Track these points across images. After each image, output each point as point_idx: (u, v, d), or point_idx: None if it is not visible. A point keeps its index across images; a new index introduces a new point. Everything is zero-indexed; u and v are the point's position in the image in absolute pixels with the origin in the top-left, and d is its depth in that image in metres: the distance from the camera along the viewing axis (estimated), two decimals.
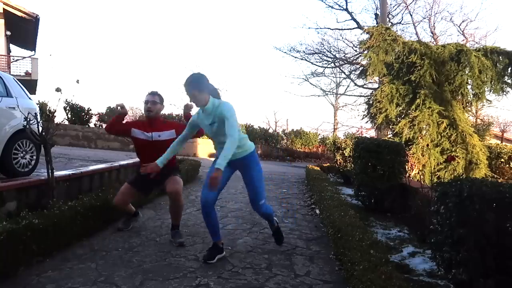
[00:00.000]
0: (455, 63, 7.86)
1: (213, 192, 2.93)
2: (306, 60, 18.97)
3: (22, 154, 4.42)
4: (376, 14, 17.54)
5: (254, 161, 3.06)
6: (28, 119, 3.65)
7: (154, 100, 3.48)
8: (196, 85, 2.83)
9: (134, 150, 3.87)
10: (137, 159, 6.20)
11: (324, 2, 18.33)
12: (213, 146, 3.14)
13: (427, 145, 7.14)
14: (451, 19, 22.06)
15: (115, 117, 3.58)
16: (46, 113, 5.57)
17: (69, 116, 15.46)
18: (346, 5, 17.75)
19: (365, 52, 8.42)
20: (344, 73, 19.78)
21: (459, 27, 20.21)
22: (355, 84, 19.15)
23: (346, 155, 8.68)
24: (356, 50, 17.61)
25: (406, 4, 18.68)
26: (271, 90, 60.27)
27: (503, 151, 8.52)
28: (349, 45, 19.07)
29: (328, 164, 11.63)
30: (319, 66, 19.39)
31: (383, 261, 2.56)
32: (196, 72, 2.93)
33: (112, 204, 3.57)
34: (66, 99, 15.07)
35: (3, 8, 16.70)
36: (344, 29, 18.88)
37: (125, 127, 3.60)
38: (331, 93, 24.73)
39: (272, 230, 3.40)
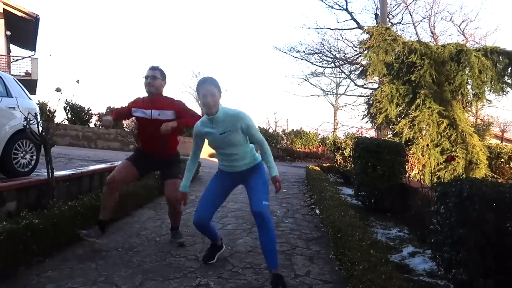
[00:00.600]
0: (455, 63, 7.87)
1: (207, 211, 2.78)
2: (306, 60, 18.99)
3: (22, 154, 4.42)
4: (376, 14, 17.55)
5: (260, 169, 2.80)
6: (28, 119, 3.65)
7: (154, 75, 3.20)
8: (216, 84, 2.56)
9: (135, 147, 3.77)
10: None
11: (324, 2, 18.35)
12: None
13: (427, 145, 7.14)
14: (451, 19, 22.08)
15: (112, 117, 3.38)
16: (46, 113, 5.58)
17: (69, 116, 15.48)
18: (346, 5, 17.77)
19: (365, 52, 8.42)
20: (344, 73, 19.79)
21: (459, 27, 20.22)
22: (355, 84, 19.17)
23: (346, 155, 8.68)
24: (356, 50, 17.62)
25: (406, 4, 18.69)
26: (271, 90, 60.28)
27: (503, 151, 8.52)
28: (349, 45, 19.09)
29: (328, 164, 11.63)
30: (319, 66, 19.41)
31: (383, 261, 2.56)
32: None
33: (105, 182, 3.22)
34: (66, 99, 15.10)
35: (3, 8, 16.70)
36: (344, 29, 18.89)
37: (126, 110, 3.37)
38: (331, 93, 24.75)
39: (271, 273, 2.52)
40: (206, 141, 2.88)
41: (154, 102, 3.24)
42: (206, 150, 17.78)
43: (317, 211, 4.97)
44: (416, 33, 19.58)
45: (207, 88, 2.53)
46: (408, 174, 5.70)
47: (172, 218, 3.44)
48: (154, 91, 3.21)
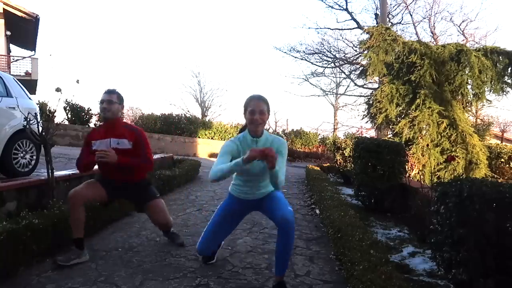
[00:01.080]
0: (455, 63, 7.86)
1: (213, 245, 2.74)
2: (306, 60, 19.01)
3: (22, 154, 4.43)
4: (376, 14, 17.55)
5: (276, 192, 2.62)
6: (28, 119, 3.65)
7: (111, 99, 2.97)
8: (267, 103, 2.43)
9: None
10: None
11: (324, 2, 18.37)
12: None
13: (427, 145, 7.14)
14: (451, 19, 22.06)
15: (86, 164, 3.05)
16: (46, 113, 5.57)
17: (69, 116, 15.45)
18: (346, 5, 17.79)
19: (365, 52, 8.42)
20: (344, 73, 19.81)
21: (459, 27, 20.22)
22: (355, 84, 19.20)
23: (346, 155, 8.68)
24: (356, 50, 17.63)
25: (406, 4, 18.70)
26: (271, 90, 60.26)
27: (503, 151, 8.52)
28: (349, 45, 19.11)
29: (328, 164, 11.62)
30: (319, 66, 19.43)
31: (383, 261, 2.56)
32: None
33: (67, 197, 2.88)
34: (66, 99, 15.07)
35: (3, 8, 16.71)
36: (344, 29, 18.92)
37: (88, 152, 3.00)
38: (331, 93, 24.79)
39: (276, 280, 2.42)
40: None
41: (112, 129, 3.00)
42: (206, 150, 17.69)
43: (317, 211, 4.97)
44: (416, 33, 19.61)
45: (257, 104, 2.39)
46: (408, 174, 5.70)
47: (166, 228, 3.35)
48: (110, 116, 2.99)
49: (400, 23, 19.16)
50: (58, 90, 3.59)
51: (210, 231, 2.71)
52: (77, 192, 2.83)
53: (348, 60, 18.32)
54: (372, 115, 8.18)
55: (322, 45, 18.70)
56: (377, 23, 14.48)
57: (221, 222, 2.71)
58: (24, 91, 4.83)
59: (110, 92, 3.02)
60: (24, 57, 18.95)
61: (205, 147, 15.80)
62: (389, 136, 8.70)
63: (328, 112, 50.76)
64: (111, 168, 2.97)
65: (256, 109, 2.39)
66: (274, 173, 2.27)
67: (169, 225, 3.30)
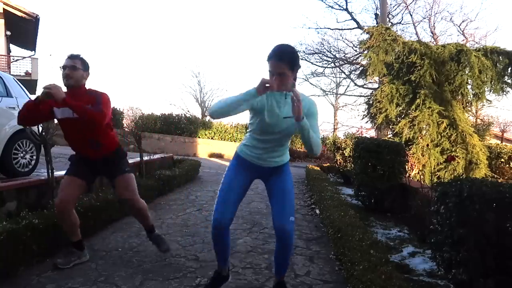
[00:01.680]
0: (455, 63, 7.86)
1: (229, 211, 2.20)
2: (306, 60, 19.01)
3: (22, 154, 4.42)
4: (376, 14, 17.57)
5: (288, 169, 2.42)
6: None
7: (74, 65, 2.66)
8: (289, 59, 2.00)
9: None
10: (137, 159, 6.21)
11: (324, 2, 18.43)
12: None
13: (427, 145, 7.14)
14: (451, 19, 22.15)
15: (31, 104, 2.63)
16: None
17: None
18: (346, 5, 17.83)
19: (365, 52, 8.42)
20: (344, 73, 19.86)
21: (459, 27, 20.25)
22: (355, 84, 19.24)
23: (346, 155, 8.68)
24: (356, 50, 17.66)
25: (406, 4, 18.72)
26: None
27: (503, 151, 8.53)
28: (349, 45, 19.15)
29: (328, 164, 11.61)
30: (319, 66, 19.47)
31: (383, 261, 2.56)
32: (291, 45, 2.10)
33: (55, 208, 2.78)
34: None
35: (3, 8, 16.69)
36: (344, 29, 18.97)
37: (43, 112, 2.66)
38: (331, 93, 24.81)
39: (276, 280, 2.34)
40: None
41: (75, 97, 2.63)
42: (206, 150, 17.68)
43: (317, 211, 4.97)
44: (416, 33, 19.63)
45: (276, 66, 1.99)
46: (408, 174, 5.70)
47: (140, 217, 3.01)
48: (73, 83, 2.68)
49: (400, 23, 19.21)
50: None
51: (223, 196, 2.24)
52: (63, 200, 2.67)
53: (348, 60, 18.34)
54: (372, 115, 8.19)
55: (322, 45, 18.76)
56: (377, 23, 14.49)
57: (231, 186, 2.28)
58: (24, 91, 4.83)
59: (73, 57, 2.70)
60: (24, 57, 18.95)
61: (205, 147, 15.79)
62: (389, 136, 8.70)
63: (328, 112, 50.74)
64: (81, 141, 2.77)
65: (274, 70, 2.00)
66: (305, 126, 2.00)
67: (135, 202, 2.90)
